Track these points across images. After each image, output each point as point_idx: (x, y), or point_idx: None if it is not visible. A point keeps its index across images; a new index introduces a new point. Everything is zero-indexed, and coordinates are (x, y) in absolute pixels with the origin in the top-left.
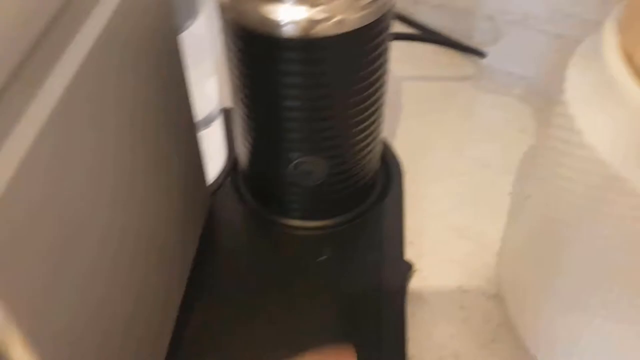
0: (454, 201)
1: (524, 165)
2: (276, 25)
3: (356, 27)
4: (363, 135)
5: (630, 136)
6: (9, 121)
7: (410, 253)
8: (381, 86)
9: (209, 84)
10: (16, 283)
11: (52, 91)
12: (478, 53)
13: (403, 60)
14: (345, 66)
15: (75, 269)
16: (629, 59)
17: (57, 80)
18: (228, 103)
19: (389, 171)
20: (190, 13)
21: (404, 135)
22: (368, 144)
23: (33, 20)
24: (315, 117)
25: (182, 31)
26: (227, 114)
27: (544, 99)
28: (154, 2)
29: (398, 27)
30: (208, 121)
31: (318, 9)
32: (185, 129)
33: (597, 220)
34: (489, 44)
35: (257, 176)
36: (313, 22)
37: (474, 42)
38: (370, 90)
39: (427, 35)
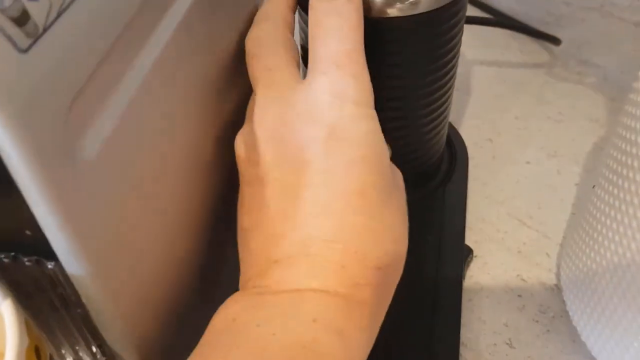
0: (519, 189)
1: (592, 155)
2: None
3: (431, 8)
4: (430, 118)
5: None
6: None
7: (470, 239)
8: (451, 70)
9: None
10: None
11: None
12: (553, 39)
13: (476, 45)
14: (418, 48)
15: (159, 228)
16: None
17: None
18: None
19: (454, 155)
20: None
21: (472, 120)
22: (434, 127)
23: None
24: (385, 97)
25: None
26: None
27: (618, 89)
28: None
29: (472, 11)
30: None
31: None
32: None
33: None
34: (565, 30)
35: None
36: (388, 3)
37: (549, 29)
38: (441, 73)
39: (501, 19)
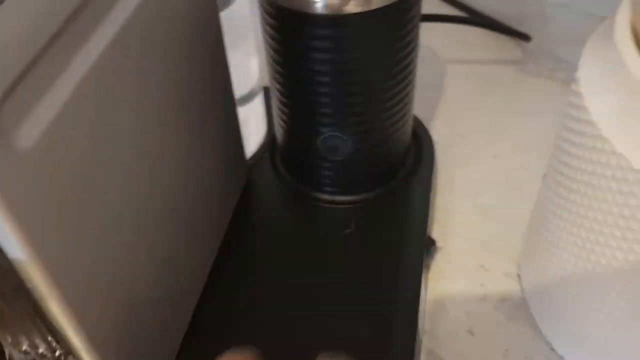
0: (487, 183)
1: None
2: (307, 3)
3: (383, 4)
4: (390, 112)
5: (633, 114)
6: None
7: (436, 231)
8: (409, 64)
9: (251, 62)
10: (45, 219)
11: (96, 48)
12: (523, 37)
13: (448, 43)
14: (373, 43)
15: (104, 218)
16: (638, 38)
17: (100, 40)
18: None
19: (420, 149)
20: None
21: (445, 116)
22: (395, 122)
23: None
24: (342, 93)
25: (224, 8)
26: (267, 91)
27: None
28: None
29: (444, 9)
30: (249, 98)
31: None
32: (224, 102)
33: (598, 199)
34: (537, 27)
35: (291, 150)
36: (342, 0)
37: (521, 27)
38: (398, 68)
39: (473, 18)
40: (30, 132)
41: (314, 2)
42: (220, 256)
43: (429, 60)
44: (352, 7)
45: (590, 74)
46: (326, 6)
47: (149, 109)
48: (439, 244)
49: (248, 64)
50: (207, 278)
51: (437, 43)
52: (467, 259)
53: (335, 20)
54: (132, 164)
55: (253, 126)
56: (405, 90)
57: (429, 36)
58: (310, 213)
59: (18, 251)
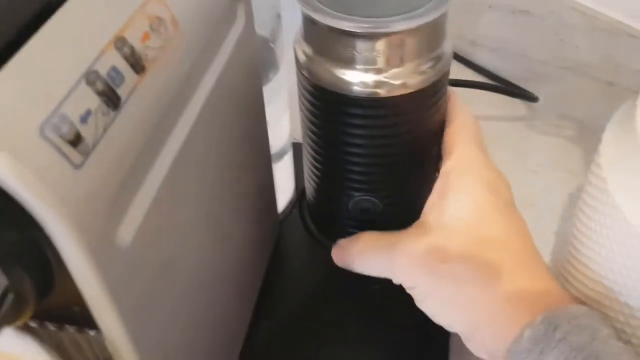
0: None
1: (569, 205)
2: (346, 85)
3: (418, 88)
4: (421, 175)
5: None
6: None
7: None
8: (438, 133)
9: (284, 117)
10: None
11: (173, 147)
12: (531, 98)
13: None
14: (407, 120)
15: (178, 289)
16: None
17: (176, 141)
18: (297, 136)
19: None
20: (274, 69)
21: None
22: (423, 186)
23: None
24: (377, 161)
25: (266, 83)
26: (296, 147)
27: (595, 142)
28: (247, 66)
29: (454, 67)
30: (280, 155)
31: (384, 75)
32: (263, 164)
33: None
34: (543, 86)
35: (321, 209)
36: (379, 85)
37: (528, 84)
38: (430, 136)
39: (484, 83)
40: (127, 229)
41: (352, 85)
42: (257, 310)
43: None
44: (387, 92)
45: (611, 151)
46: (364, 91)
47: (211, 184)
48: None
49: (280, 120)
50: (247, 330)
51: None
52: None
53: (373, 102)
54: (199, 238)
55: (283, 182)
56: (435, 153)
57: None
58: (339, 269)
59: (116, 335)
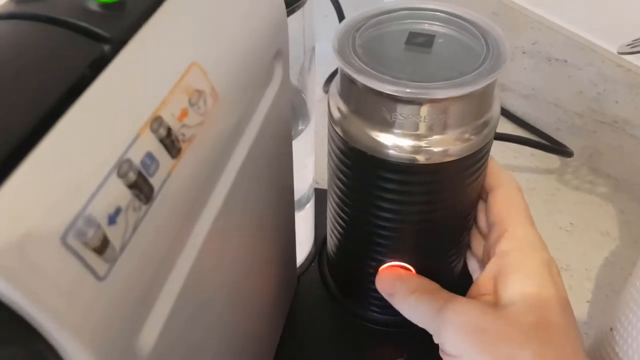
0: None
1: (603, 271)
2: (383, 148)
3: (461, 156)
4: (451, 245)
5: None
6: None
7: None
8: (475, 200)
9: (308, 164)
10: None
11: (200, 235)
12: (567, 153)
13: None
14: (445, 187)
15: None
16: None
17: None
18: (318, 179)
19: (468, 272)
20: (305, 120)
21: None
22: (454, 254)
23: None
24: (405, 229)
25: (297, 136)
26: (318, 193)
27: (629, 200)
28: (281, 122)
29: None
30: (302, 203)
31: (424, 141)
32: (287, 219)
33: None
34: (577, 138)
35: (343, 269)
36: (418, 150)
37: (561, 135)
38: (465, 206)
39: (521, 138)
40: (149, 334)
41: (389, 149)
42: None
43: None
44: (426, 159)
45: None
46: (400, 157)
47: (240, 260)
48: None
49: (305, 163)
50: None
51: None
52: None
53: (410, 168)
54: (223, 316)
55: (302, 232)
56: (470, 220)
57: None
58: (359, 332)
59: None
